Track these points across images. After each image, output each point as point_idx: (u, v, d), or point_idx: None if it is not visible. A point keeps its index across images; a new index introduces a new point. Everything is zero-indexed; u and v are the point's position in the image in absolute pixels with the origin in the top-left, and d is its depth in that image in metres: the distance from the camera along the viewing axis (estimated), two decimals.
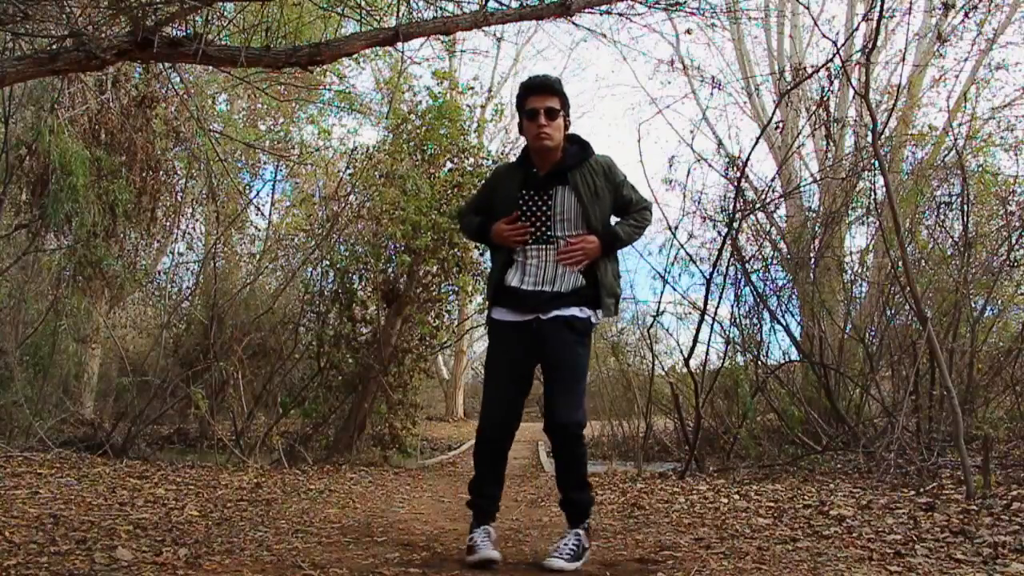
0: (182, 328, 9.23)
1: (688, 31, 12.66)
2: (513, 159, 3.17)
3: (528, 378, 2.89)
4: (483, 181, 3.17)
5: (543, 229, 2.84)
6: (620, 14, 4.61)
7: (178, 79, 6.97)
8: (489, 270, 3.10)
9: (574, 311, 2.80)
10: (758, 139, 6.85)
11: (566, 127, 2.88)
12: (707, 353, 8.22)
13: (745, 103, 12.62)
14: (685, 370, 6.92)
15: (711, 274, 6.84)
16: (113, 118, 7.21)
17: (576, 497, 2.85)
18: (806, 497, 4.47)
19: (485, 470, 2.87)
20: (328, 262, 8.35)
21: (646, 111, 22.83)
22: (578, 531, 2.79)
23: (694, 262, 7.66)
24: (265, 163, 11.44)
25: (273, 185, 12.88)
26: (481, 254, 8.85)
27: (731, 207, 7.07)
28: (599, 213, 2.86)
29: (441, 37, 4.95)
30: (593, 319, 2.85)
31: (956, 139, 7.09)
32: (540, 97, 2.83)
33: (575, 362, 2.77)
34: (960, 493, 4.11)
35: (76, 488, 4.41)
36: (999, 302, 7.28)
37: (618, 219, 2.96)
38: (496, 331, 2.90)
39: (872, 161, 6.68)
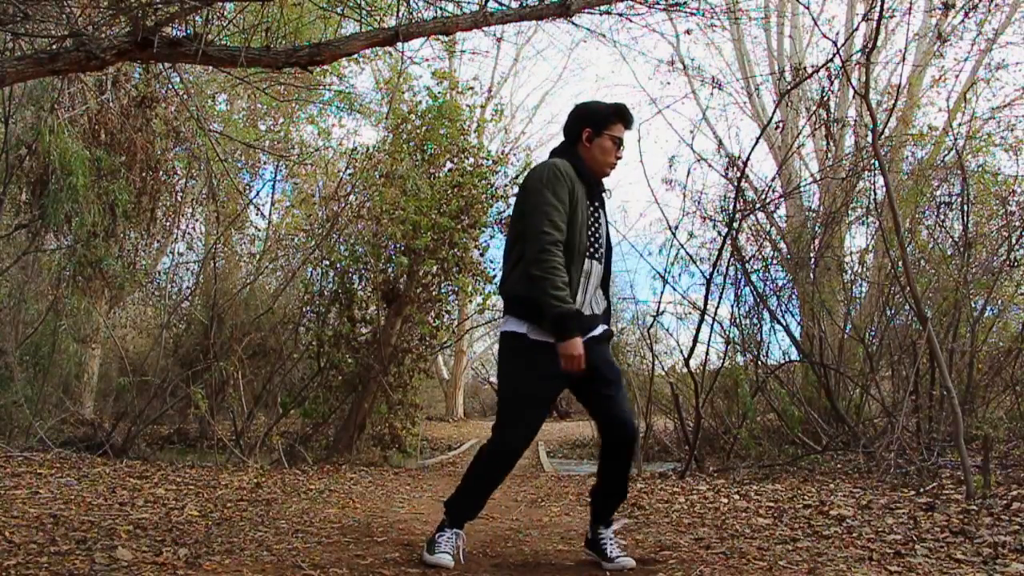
0: (182, 328, 9.24)
1: (688, 31, 12.64)
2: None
3: None
4: (551, 184, 2.61)
5: (601, 244, 2.81)
6: (620, 14, 4.62)
7: (178, 79, 6.98)
8: (561, 288, 2.56)
9: (606, 326, 2.86)
10: (758, 139, 6.85)
11: None
12: (707, 353, 8.22)
13: (745, 103, 12.62)
14: (685, 370, 6.92)
15: (711, 274, 6.85)
16: (113, 118, 7.21)
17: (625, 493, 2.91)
18: (806, 497, 4.47)
19: (496, 484, 2.83)
20: (328, 262, 8.36)
21: (646, 111, 22.84)
22: (613, 529, 2.85)
23: (694, 262, 7.67)
24: (265, 163, 11.44)
25: (273, 185, 12.87)
26: (481, 254, 8.86)
27: (731, 207, 7.08)
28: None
29: (441, 37, 4.95)
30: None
31: (956, 139, 7.09)
32: (627, 130, 2.82)
33: (620, 372, 2.86)
34: (960, 493, 4.11)
35: (76, 488, 4.41)
36: (999, 302, 7.28)
37: None
38: (547, 352, 2.62)
39: (872, 161, 6.69)
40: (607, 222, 2.87)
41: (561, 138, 2.91)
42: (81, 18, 3.76)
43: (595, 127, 2.79)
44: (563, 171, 2.67)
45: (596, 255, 2.76)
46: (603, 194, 2.89)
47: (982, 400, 6.74)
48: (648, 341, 8.41)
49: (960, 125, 7.67)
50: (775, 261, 8.29)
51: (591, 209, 2.78)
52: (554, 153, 2.87)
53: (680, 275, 8.20)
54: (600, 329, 2.81)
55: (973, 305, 6.73)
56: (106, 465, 5.78)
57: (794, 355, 7.78)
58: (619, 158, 2.82)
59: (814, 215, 8.56)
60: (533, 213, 2.61)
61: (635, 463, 8.00)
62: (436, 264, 8.51)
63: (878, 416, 7.02)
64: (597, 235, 2.78)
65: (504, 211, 8.97)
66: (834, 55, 5.68)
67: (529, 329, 2.65)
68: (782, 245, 8.53)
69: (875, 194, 7.38)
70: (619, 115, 2.80)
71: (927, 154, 8.14)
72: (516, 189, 8.94)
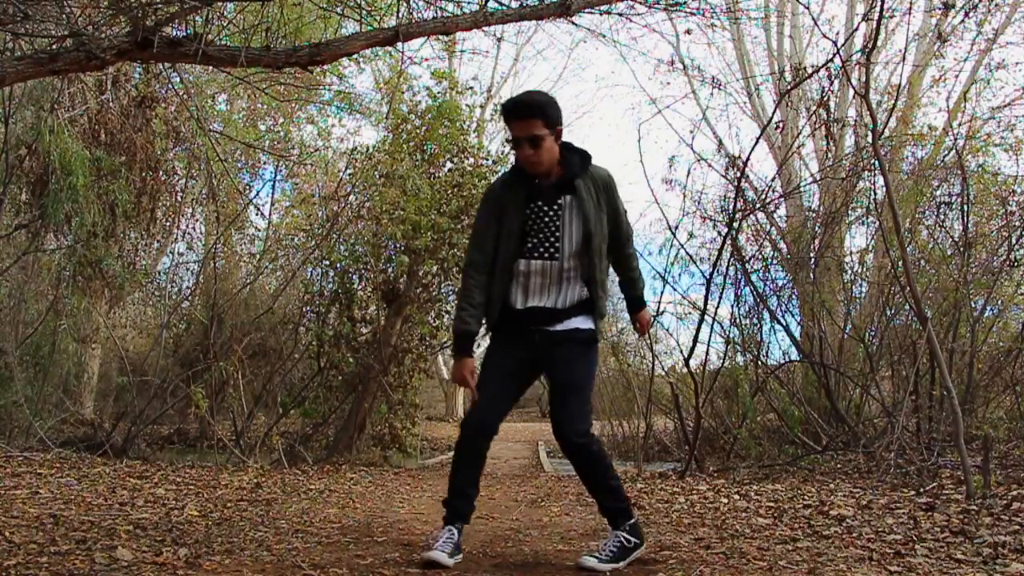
0: (182, 328, 9.24)
1: (688, 31, 12.63)
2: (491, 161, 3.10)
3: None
4: (480, 210, 2.88)
5: (550, 243, 2.72)
6: (620, 14, 4.62)
7: (178, 79, 6.98)
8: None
9: (576, 323, 2.78)
10: (758, 139, 6.86)
11: (558, 137, 2.73)
12: (707, 353, 8.23)
13: (745, 103, 12.62)
14: (685, 370, 6.92)
15: (711, 274, 6.85)
16: (113, 118, 7.22)
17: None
18: (806, 497, 4.47)
19: (458, 461, 2.85)
20: (328, 262, 8.35)
21: (646, 111, 22.83)
22: (618, 532, 2.73)
23: (694, 262, 7.67)
24: (265, 163, 11.44)
25: (273, 185, 12.89)
26: None
27: (731, 207, 7.08)
28: (601, 228, 2.76)
29: (441, 37, 4.96)
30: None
31: (956, 139, 7.09)
32: (520, 124, 2.68)
33: (580, 375, 2.81)
34: (960, 493, 4.11)
35: (76, 488, 4.41)
36: (999, 302, 7.28)
37: (622, 276, 2.99)
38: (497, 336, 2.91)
39: (872, 161, 6.69)
40: (578, 213, 2.73)
41: (564, 136, 2.85)
42: (81, 18, 3.76)
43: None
44: (490, 192, 2.90)
45: (542, 254, 2.72)
46: (577, 181, 2.74)
47: (982, 400, 6.74)
48: (648, 341, 8.41)
49: (960, 125, 7.68)
50: (775, 261, 8.30)
51: (533, 209, 2.73)
52: None
53: (680, 275, 8.21)
54: (563, 326, 2.75)
55: (973, 305, 6.73)
56: (106, 465, 5.78)
57: (794, 355, 7.78)
58: (527, 155, 2.69)
59: (814, 215, 8.56)
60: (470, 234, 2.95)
61: (635, 463, 8.01)
62: (436, 264, 8.51)
63: (878, 416, 7.02)
64: (545, 234, 2.72)
65: None
66: (834, 55, 5.68)
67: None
68: (782, 245, 8.53)
69: (875, 194, 7.39)
70: (504, 114, 2.75)
71: (927, 154, 8.14)
72: None
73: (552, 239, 2.72)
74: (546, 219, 2.73)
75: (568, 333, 2.76)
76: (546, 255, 2.72)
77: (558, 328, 2.75)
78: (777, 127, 9.42)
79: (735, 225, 6.96)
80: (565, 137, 2.82)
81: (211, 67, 5.53)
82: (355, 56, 6.23)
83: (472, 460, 2.77)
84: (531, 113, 2.67)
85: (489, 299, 2.78)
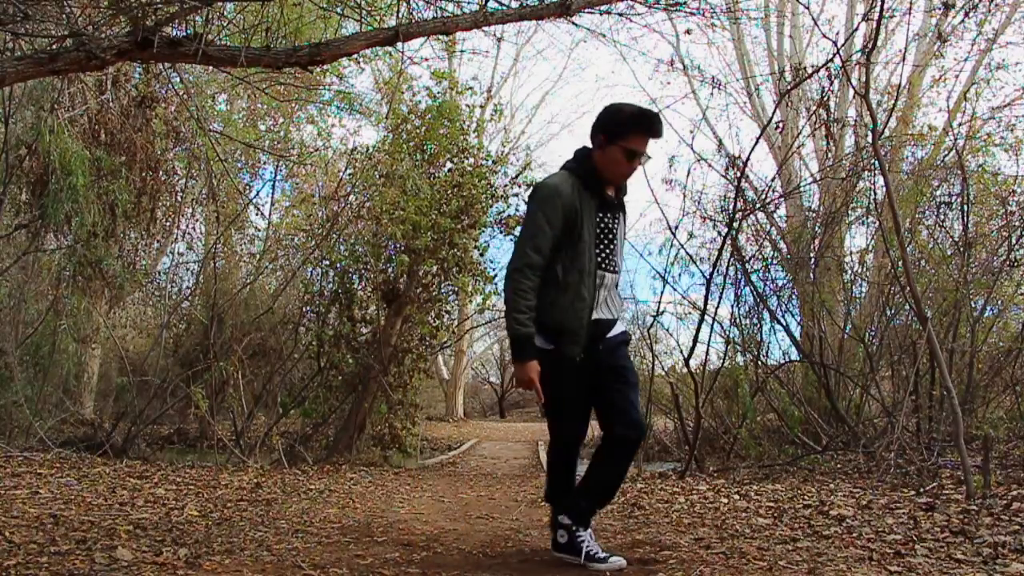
0: (182, 328, 9.24)
1: (688, 31, 12.65)
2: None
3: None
4: (543, 210, 2.63)
5: (609, 253, 2.76)
6: (620, 14, 4.62)
7: (178, 79, 6.98)
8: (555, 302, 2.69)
9: (624, 329, 2.92)
10: (758, 139, 6.85)
11: None
12: (707, 353, 8.24)
13: (745, 103, 12.62)
14: (685, 370, 6.92)
15: (711, 274, 6.85)
16: (113, 118, 7.21)
17: None
18: (806, 497, 4.47)
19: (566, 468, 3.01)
20: (328, 262, 8.36)
21: None
22: (589, 530, 2.79)
23: (694, 262, 7.67)
24: (265, 163, 11.44)
25: (273, 185, 12.91)
26: (481, 254, 8.86)
27: (731, 207, 7.08)
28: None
29: (441, 37, 4.96)
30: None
31: (956, 139, 7.10)
32: (647, 140, 2.68)
33: (637, 376, 3.02)
34: (960, 493, 4.11)
35: (76, 488, 4.41)
36: (999, 302, 7.28)
37: None
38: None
39: (872, 161, 6.69)
40: (624, 223, 2.84)
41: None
42: (81, 18, 3.77)
43: (609, 135, 2.66)
44: (559, 192, 2.65)
45: (610, 266, 2.75)
46: (623, 197, 2.85)
47: (982, 400, 6.75)
48: (648, 341, 8.42)
49: (960, 125, 7.67)
50: (775, 261, 8.31)
51: (604, 220, 2.73)
52: (573, 158, 2.81)
53: (680, 275, 8.22)
54: (617, 330, 2.83)
55: (973, 305, 6.73)
56: (106, 465, 5.78)
57: (794, 355, 7.79)
58: (633, 169, 2.72)
59: (814, 215, 8.56)
60: (522, 233, 2.71)
61: (635, 463, 8.01)
62: (436, 264, 8.52)
63: (878, 416, 7.02)
64: (612, 246, 2.75)
65: (504, 211, 8.98)
66: (834, 55, 5.68)
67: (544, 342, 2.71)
68: (782, 245, 8.53)
69: (875, 194, 7.39)
70: (638, 125, 2.65)
71: (927, 154, 8.15)
72: (516, 189, 8.97)
73: (610, 250, 2.76)
74: (616, 231, 2.78)
75: (622, 335, 2.86)
76: (608, 267, 2.76)
77: (614, 333, 2.82)
78: (777, 127, 9.42)
79: (735, 225, 6.96)
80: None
81: (211, 67, 5.54)
82: (355, 56, 6.23)
83: (572, 464, 2.96)
84: (661, 135, 2.71)
85: (562, 307, 2.66)
